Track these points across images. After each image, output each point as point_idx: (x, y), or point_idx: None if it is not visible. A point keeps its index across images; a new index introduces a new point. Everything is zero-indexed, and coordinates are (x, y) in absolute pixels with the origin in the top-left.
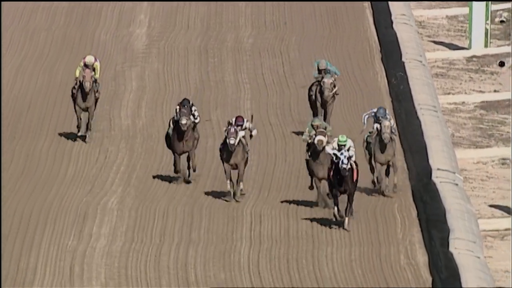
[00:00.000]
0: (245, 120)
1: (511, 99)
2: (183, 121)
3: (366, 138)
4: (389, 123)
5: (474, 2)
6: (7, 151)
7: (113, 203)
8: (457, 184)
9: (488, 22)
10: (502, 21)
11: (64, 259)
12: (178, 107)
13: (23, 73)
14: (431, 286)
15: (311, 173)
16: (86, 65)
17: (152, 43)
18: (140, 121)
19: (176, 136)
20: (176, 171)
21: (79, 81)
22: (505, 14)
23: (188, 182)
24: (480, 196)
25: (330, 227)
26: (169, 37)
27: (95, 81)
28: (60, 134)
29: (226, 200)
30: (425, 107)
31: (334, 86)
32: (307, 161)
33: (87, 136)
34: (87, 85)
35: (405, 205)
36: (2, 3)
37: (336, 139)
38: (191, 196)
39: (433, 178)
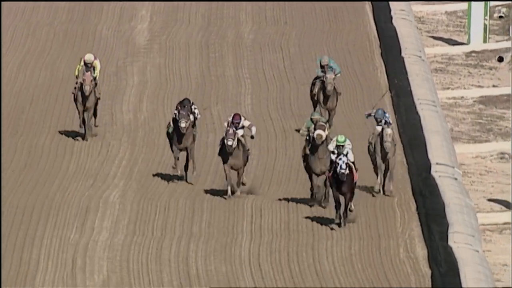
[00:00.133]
0: (242, 118)
1: (511, 94)
2: (182, 124)
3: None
4: (391, 131)
5: None
6: (10, 146)
7: (115, 196)
8: (456, 179)
9: (487, 17)
10: (501, 17)
11: (67, 252)
12: (178, 107)
13: (25, 68)
14: (430, 279)
15: (309, 169)
16: (85, 64)
17: (153, 38)
18: (142, 115)
19: (176, 137)
20: (173, 167)
21: (80, 83)
22: (504, 9)
23: (186, 170)
24: (479, 190)
25: (329, 225)
26: (171, 32)
27: (95, 79)
28: (62, 129)
29: (225, 198)
30: (424, 102)
31: (335, 88)
32: (305, 156)
33: (87, 134)
34: (87, 88)
35: (405, 199)
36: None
37: (334, 139)
38: (192, 190)
39: (432, 172)
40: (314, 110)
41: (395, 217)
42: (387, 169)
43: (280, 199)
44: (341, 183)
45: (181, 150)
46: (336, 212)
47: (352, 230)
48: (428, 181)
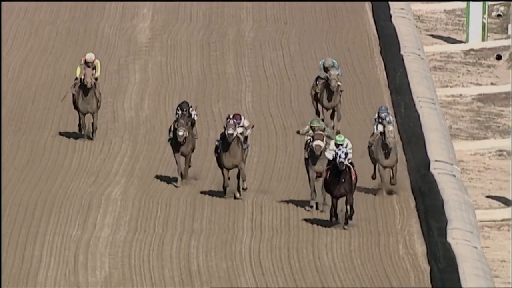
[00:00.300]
0: (243, 118)
1: (511, 92)
2: (180, 133)
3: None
4: (393, 128)
5: None
6: (12, 143)
7: (116, 193)
8: (454, 176)
9: (485, 16)
10: (499, 15)
11: (69, 249)
12: (177, 110)
13: (28, 66)
14: (429, 275)
15: (308, 171)
16: (86, 63)
17: (155, 36)
18: (143, 113)
19: (175, 144)
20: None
21: (80, 79)
22: (502, 8)
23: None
24: (477, 187)
25: (330, 222)
26: (172, 30)
27: (96, 79)
28: (64, 126)
29: (224, 198)
30: (423, 99)
31: (339, 86)
32: (305, 159)
33: (93, 136)
34: (88, 80)
35: (404, 196)
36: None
37: (332, 141)
38: (193, 187)
39: (431, 169)
40: (316, 111)
41: (394, 213)
42: (393, 171)
43: (280, 196)
44: (339, 181)
45: (181, 154)
46: (331, 215)
47: (352, 227)
48: (427, 178)
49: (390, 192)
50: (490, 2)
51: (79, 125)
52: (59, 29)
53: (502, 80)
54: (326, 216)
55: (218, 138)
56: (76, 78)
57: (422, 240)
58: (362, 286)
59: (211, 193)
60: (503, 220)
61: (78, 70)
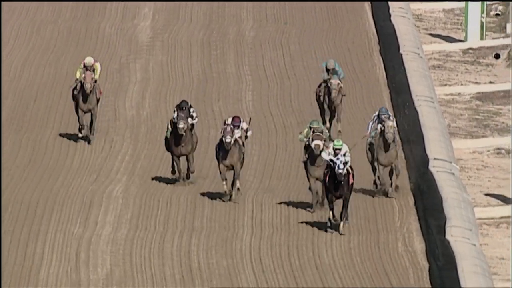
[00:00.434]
0: (241, 120)
1: (510, 90)
2: (180, 125)
3: (369, 141)
4: (392, 123)
5: None
6: (15, 142)
7: (118, 191)
8: (453, 174)
9: (484, 15)
10: (497, 14)
11: (70, 246)
12: (176, 109)
13: (29, 65)
14: (428, 273)
15: (308, 174)
16: (85, 67)
17: (156, 36)
18: (144, 111)
19: (174, 139)
20: (173, 172)
21: (80, 83)
22: (500, 7)
23: (188, 178)
24: (476, 185)
25: (326, 231)
26: (173, 30)
27: (95, 81)
28: (66, 125)
29: (223, 200)
30: (422, 98)
31: (341, 88)
32: (304, 162)
33: (91, 138)
34: (88, 86)
35: (403, 194)
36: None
37: (331, 143)
38: (193, 185)
39: (430, 167)
40: (321, 113)
41: (393, 211)
42: (391, 173)
43: (280, 194)
44: (338, 184)
45: (179, 156)
46: (330, 219)
47: (351, 224)
48: (426, 176)
49: (386, 194)
50: (488, 2)
51: (79, 128)
52: (61, 28)
53: (501, 79)
54: (325, 215)
55: (218, 142)
56: (77, 80)
57: (421, 237)
58: (362, 283)
59: (212, 192)
60: (501, 217)
61: (78, 73)
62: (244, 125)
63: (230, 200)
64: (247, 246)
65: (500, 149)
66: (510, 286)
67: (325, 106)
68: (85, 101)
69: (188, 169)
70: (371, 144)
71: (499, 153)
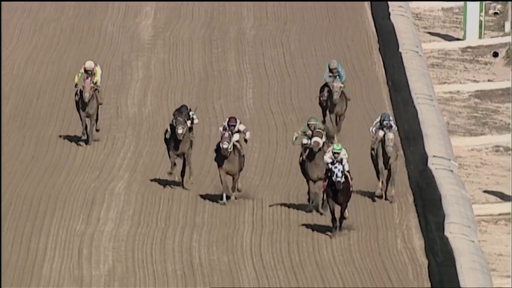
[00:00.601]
0: (238, 121)
1: (510, 87)
2: (179, 131)
3: (371, 146)
4: (392, 136)
5: None
6: (18, 138)
7: (120, 188)
8: (452, 171)
9: (482, 14)
10: (495, 13)
11: (73, 242)
12: (175, 113)
13: (32, 63)
14: (427, 269)
15: (306, 175)
16: (86, 71)
17: (157, 34)
18: (146, 109)
19: (173, 143)
20: (170, 173)
21: (80, 90)
22: (499, 6)
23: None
24: (474, 182)
25: (326, 233)
26: (174, 28)
27: (95, 84)
28: (69, 122)
29: (220, 203)
30: (421, 96)
31: (343, 93)
32: (302, 163)
33: (89, 141)
34: (87, 95)
35: (402, 191)
36: None
37: (331, 147)
38: (195, 182)
39: (429, 165)
40: (323, 116)
41: (392, 208)
42: (389, 174)
43: (280, 191)
44: (337, 192)
45: (178, 156)
46: (333, 223)
47: (351, 221)
48: (425, 173)
49: (389, 197)
50: (487, 1)
51: (83, 132)
52: (63, 26)
53: (499, 77)
54: (325, 214)
55: (215, 148)
56: (76, 85)
57: (420, 234)
58: (361, 279)
59: (213, 188)
60: (500, 214)
61: (76, 78)
62: (241, 126)
63: (228, 199)
64: (248, 242)
65: (498, 147)
66: (510, 283)
67: (329, 107)
68: (84, 108)
69: (183, 170)
70: (372, 149)
71: (497, 150)
